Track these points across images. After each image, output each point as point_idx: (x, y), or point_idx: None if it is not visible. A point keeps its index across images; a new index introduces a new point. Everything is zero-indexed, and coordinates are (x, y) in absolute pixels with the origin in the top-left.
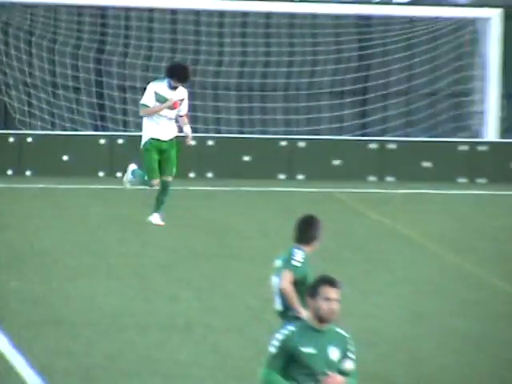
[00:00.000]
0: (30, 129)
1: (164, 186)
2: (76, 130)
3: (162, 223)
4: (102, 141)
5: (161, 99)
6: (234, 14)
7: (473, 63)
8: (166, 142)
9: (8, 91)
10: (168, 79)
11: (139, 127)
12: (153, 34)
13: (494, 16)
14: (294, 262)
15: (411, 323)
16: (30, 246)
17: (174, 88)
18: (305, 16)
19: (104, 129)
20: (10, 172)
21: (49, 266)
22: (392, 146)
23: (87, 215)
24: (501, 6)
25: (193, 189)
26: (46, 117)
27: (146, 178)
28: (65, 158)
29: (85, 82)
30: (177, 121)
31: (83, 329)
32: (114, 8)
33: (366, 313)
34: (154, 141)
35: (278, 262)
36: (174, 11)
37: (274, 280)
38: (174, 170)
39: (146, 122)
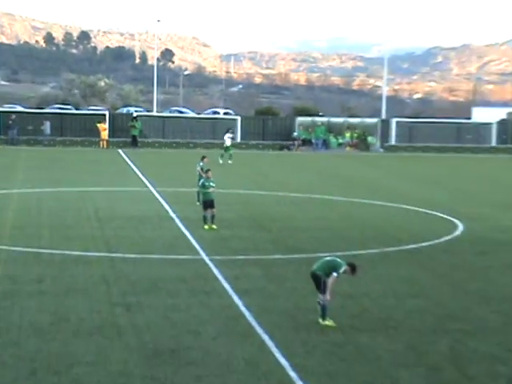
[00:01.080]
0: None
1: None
2: None
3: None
4: None
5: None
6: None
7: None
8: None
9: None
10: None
11: None
12: None
13: (238, 118)
14: (201, 164)
15: None
16: None
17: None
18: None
19: None
20: None
21: None
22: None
23: None
24: (240, 115)
25: None
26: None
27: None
28: None
29: None
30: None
31: None
32: None
33: None
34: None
35: (197, 165)
36: None
37: (197, 168)
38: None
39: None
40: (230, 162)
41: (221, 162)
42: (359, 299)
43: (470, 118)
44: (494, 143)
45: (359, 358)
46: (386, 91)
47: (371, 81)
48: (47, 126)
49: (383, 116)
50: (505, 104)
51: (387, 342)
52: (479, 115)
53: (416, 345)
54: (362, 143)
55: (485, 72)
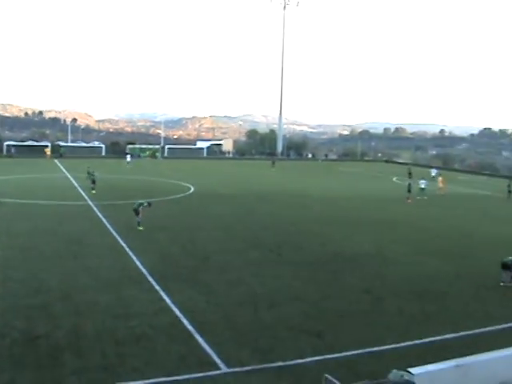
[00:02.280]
0: None
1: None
2: None
3: None
4: None
5: None
6: None
7: None
8: None
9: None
10: None
11: None
12: None
13: (103, 146)
14: (88, 167)
15: None
16: None
17: None
18: None
19: None
20: None
21: None
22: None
23: None
24: (105, 145)
25: None
26: None
27: None
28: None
29: None
30: None
31: None
32: None
33: None
34: None
35: (88, 167)
36: None
37: (87, 167)
38: None
39: None
40: (129, 167)
41: (128, 167)
42: (155, 218)
43: (195, 145)
44: (205, 155)
45: (152, 240)
46: (163, 134)
47: (158, 131)
48: (13, 149)
49: (162, 144)
50: (208, 140)
51: (158, 235)
52: (200, 144)
53: (176, 237)
54: (153, 156)
55: (197, 128)
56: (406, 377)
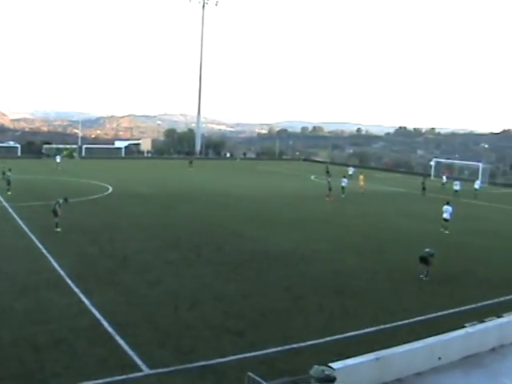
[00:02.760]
0: None
1: None
2: None
3: None
4: None
5: None
6: None
7: None
8: None
9: None
10: None
11: None
12: None
13: (19, 146)
14: (3, 166)
15: None
16: None
17: None
18: None
19: None
20: None
21: None
22: None
23: None
24: (20, 145)
25: None
26: None
27: None
28: None
29: None
30: None
31: None
32: None
33: None
34: None
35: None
36: None
37: (1, 166)
38: None
39: None
40: (60, 168)
41: (60, 168)
42: (73, 219)
43: (114, 145)
44: (123, 155)
45: (70, 242)
46: (80, 134)
47: (75, 130)
48: None
49: (79, 143)
50: (127, 139)
51: (77, 236)
52: (118, 144)
53: (95, 238)
54: (70, 155)
55: (115, 128)
56: (327, 372)
